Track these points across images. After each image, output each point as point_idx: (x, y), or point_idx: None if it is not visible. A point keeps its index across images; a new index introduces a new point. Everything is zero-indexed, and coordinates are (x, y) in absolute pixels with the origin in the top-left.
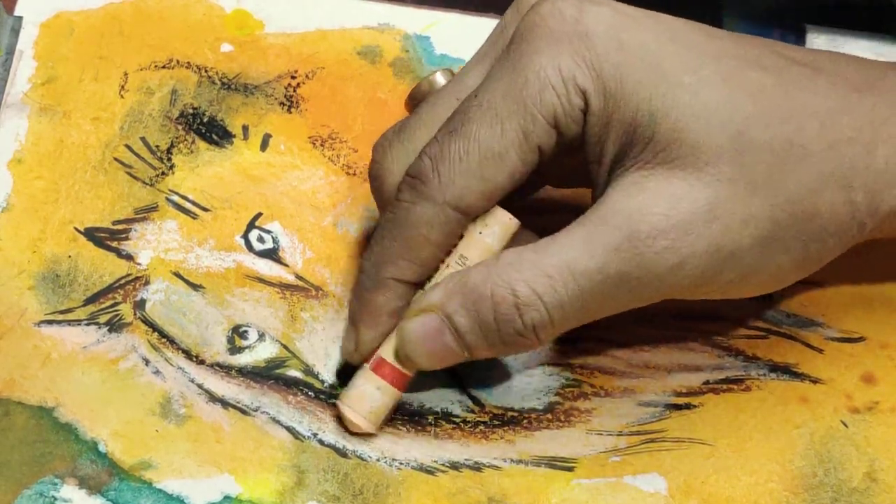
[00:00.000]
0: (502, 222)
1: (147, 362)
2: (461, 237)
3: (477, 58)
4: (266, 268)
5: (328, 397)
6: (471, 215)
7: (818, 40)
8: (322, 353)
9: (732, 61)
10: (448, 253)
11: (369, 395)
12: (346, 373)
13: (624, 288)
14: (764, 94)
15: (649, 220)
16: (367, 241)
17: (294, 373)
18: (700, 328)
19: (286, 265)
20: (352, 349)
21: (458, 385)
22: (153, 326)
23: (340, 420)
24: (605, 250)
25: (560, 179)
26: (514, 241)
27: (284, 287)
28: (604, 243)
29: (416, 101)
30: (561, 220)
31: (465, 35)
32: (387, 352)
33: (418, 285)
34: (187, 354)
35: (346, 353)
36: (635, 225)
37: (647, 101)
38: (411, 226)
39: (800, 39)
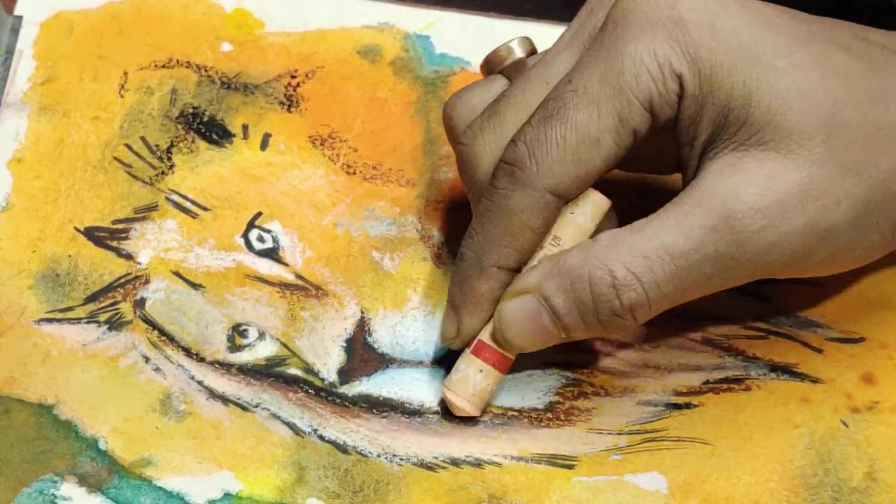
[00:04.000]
0: (594, 202)
1: (147, 360)
2: None
3: (564, 41)
4: (266, 267)
5: (329, 394)
6: (566, 199)
7: None
8: (322, 351)
9: (822, 45)
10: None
11: (472, 378)
12: (347, 372)
13: (720, 267)
14: (853, 77)
15: (745, 200)
16: (368, 240)
17: (294, 371)
18: (700, 328)
19: (286, 264)
20: (453, 335)
21: None
22: (153, 325)
23: (444, 405)
24: (702, 230)
25: (634, 164)
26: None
27: (284, 286)
28: (700, 224)
29: (492, 66)
30: (637, 204)
31: (465, 34)
32: (487, 335)
33: (517, 270)
34: (187, 352)
35: (448, 339)
36: (731, 205)
37: (741, 85)
38: (511, 213)
39: None
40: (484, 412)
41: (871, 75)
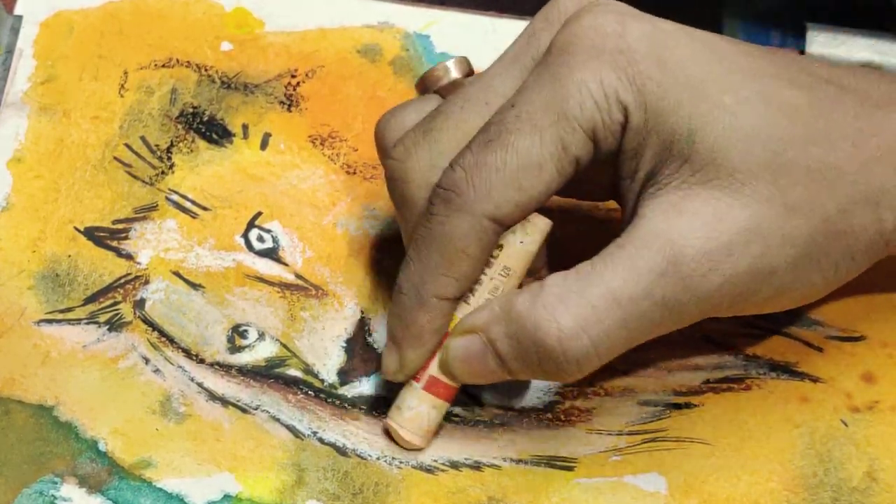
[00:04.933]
0: (541, 229)
1: (147, 361)
2: (500, 247)
3: (505, 62)
4: (266, 267)
5: (328, 396)
6: (507, 226)
7: (818, 39)
8: (322, 352)
9: (769, 80)
10: (488, 264)
11: (426, 414)
12: (346, 372)
13: (668, 312)
14: (799, 115)
15: (693, 244)
16: (368, 240)
17: (294, 372)
18: (700, 327)
19: (286, 264)
20: (395, 369)
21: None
22: (153, 325)
23: (388, 433)
24: (650, 276)
25: (578, 192)
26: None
27: (284, 286)
28: (648, 269)
29: (427, 85)
30: (574, 232)
31: (465, 33)
32: (437, 369)
33: (460, 299)
34: (187, 353)
35: (389, 374)
36: (679, 248)
37: (686, 120)
38: (448, 240)
39: (800, 39)
40: (482, 411)
41: (816, 113)
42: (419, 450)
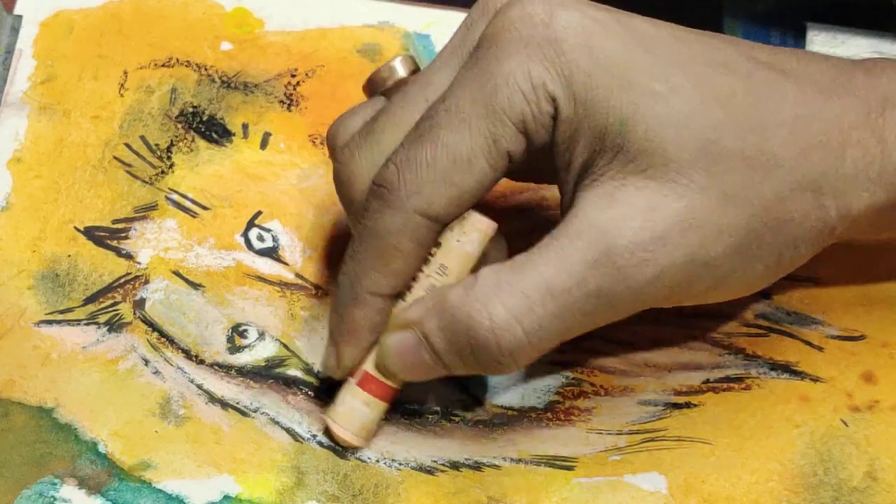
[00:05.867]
0: (479, 229)
1: (147, 362)
2: (438, 245)
3: (444, 56)
4: (266, 266)
5: (328, 397)
6: (441, 222)
7: (818, 38)
8: (322, 351)
9: (703, 67)
10: (425, 261)
11: (358, 411)
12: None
13: (602, 303)
14: (734, 102)
15: (626, 234)
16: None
17: (294, 372)
18: (700, 326)
19: (286, 264)
20: (333, 365)
21: (458, 384)
22: (153, 326)
23: (326, 430)
24: (583, 266)
25: (529, 177)
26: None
27: (284, 285)
28: (581, 259)
29: (374, 87)
30: (523, 228)
31: None
32: (371, 366)
33: (396, 296)
34: (187, 354)
35: (328, 370)
36: (612, 239)
37: (617, 110)
38: (381, 236)
39: (800, 39)
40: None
41: (753, 99)
42: (357, 448)
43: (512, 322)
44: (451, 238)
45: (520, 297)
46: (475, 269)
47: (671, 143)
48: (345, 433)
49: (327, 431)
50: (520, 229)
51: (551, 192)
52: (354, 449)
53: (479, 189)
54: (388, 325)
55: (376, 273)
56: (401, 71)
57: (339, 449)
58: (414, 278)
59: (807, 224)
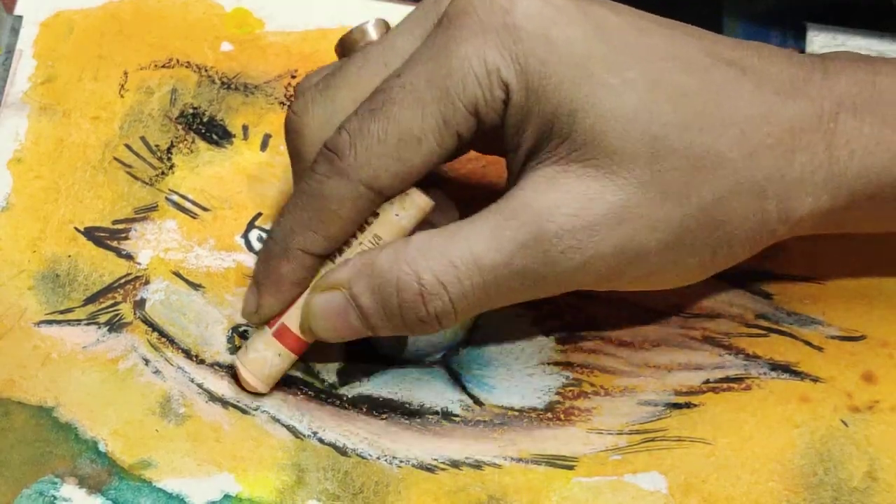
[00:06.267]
0: (419, 206)
1: (147, 362)
2: (376, 215)
3: (408, 23)
4: None
5: (328, 396)
6: (384, 195)
7: (818, 38)
8: (322, 352)
9: (660, 62)
10: (361, 229)
11: (269, 360)
12: (346, 372)
13: (528, 282)
14: (687, 100)
15: (558, 220)
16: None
17: (294, 372)
18: (700, 326)
19: None
20: (252, 311)
21: (459, 384)
22: (153, 326)
23: (235, 376)
24: (513, 245)
25: (485, 149)
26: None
27: None
28: (511, 238)
29: (346, 48)
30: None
31: None
32: (291, 320)
33: (326, 257)
34: (187, 354)
35: (246, 315)
36: (544, 223)
37: (568, 100)
38: (323, 199)
39: (800, 39)
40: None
41: (706, 97)
42: (261, 394)
43: (439, 288)
44: (390, 211)
45: (448, 266)
46: None
47: (617, 137)
48: (253, 380)
49: (233, 374)
50: (463, 198)
51: (494, 166)
52: (256, 393)
53: (427, 166)
54: (314, 286)
55: (311, 233)
56: (373, 34)
57: (340, 446)
58: (346, 243)
59: (745, 226)
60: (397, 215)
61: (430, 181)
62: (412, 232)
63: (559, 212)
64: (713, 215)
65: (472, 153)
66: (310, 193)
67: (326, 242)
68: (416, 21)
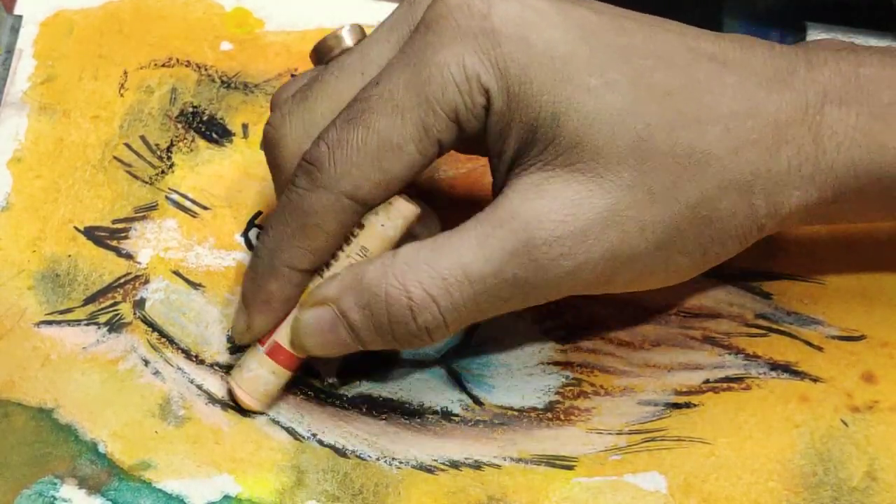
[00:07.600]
0: (404, 215)
1: (147, 363)
2: (361, 227)
3: (384, 30)
4: None
5: (328, 396)
6: (367, 205)
7: (818, 38)
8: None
9: (641, 61)
10: (347, 241)
11: (264, 378)
12: (347, 372)
13: (518, 290)
14: (670, 98)
15: (547, 227)
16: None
17: None
18: (700, 326)
19: None
20: (243, 330)
21: (458, 384)
22: (153, 326)
23: (230, 393)
24: (502, 254)
25: (466, 150)
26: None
27: None
28: (500, 247)
29: (320, 56)
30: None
31: None
32: (282, 337)
33: (314, 272)
34: (187, 354)
35: (237, 334)
36: (532, 231)
37: (550, 104)
38: (306, 213)
39: (800, 39)
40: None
41: (689, 95)
42: (259, 413)
43: (429, 301)
44: (375, 222)
45: (437, 278)
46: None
47: (601, 140)
48: (249, 399)
49: (230, 393)
50: (448, 206)
51: (481, 172)
52: (254, 412)
53: (408, 174)
54: (303, 301)
55: (296, 248)
56: (348, 40)
57: (339, 448)
58: (333, 256)
59: (734, 222)
60: (383, 225)
61: (410, 192)
62: (399, 241)
63: (547, 218)
64: (702, 213)
65: (455, 155)
66: (292, 208)
67: (312, 257)
68: (391, 28)
